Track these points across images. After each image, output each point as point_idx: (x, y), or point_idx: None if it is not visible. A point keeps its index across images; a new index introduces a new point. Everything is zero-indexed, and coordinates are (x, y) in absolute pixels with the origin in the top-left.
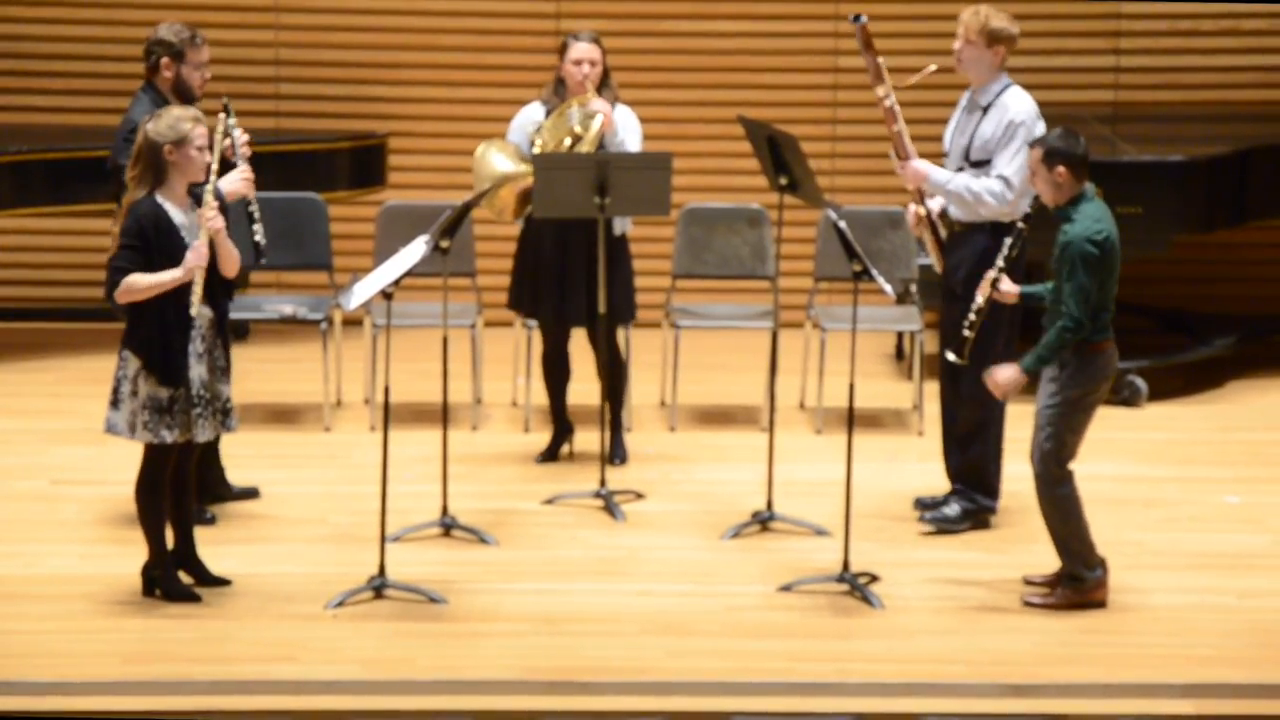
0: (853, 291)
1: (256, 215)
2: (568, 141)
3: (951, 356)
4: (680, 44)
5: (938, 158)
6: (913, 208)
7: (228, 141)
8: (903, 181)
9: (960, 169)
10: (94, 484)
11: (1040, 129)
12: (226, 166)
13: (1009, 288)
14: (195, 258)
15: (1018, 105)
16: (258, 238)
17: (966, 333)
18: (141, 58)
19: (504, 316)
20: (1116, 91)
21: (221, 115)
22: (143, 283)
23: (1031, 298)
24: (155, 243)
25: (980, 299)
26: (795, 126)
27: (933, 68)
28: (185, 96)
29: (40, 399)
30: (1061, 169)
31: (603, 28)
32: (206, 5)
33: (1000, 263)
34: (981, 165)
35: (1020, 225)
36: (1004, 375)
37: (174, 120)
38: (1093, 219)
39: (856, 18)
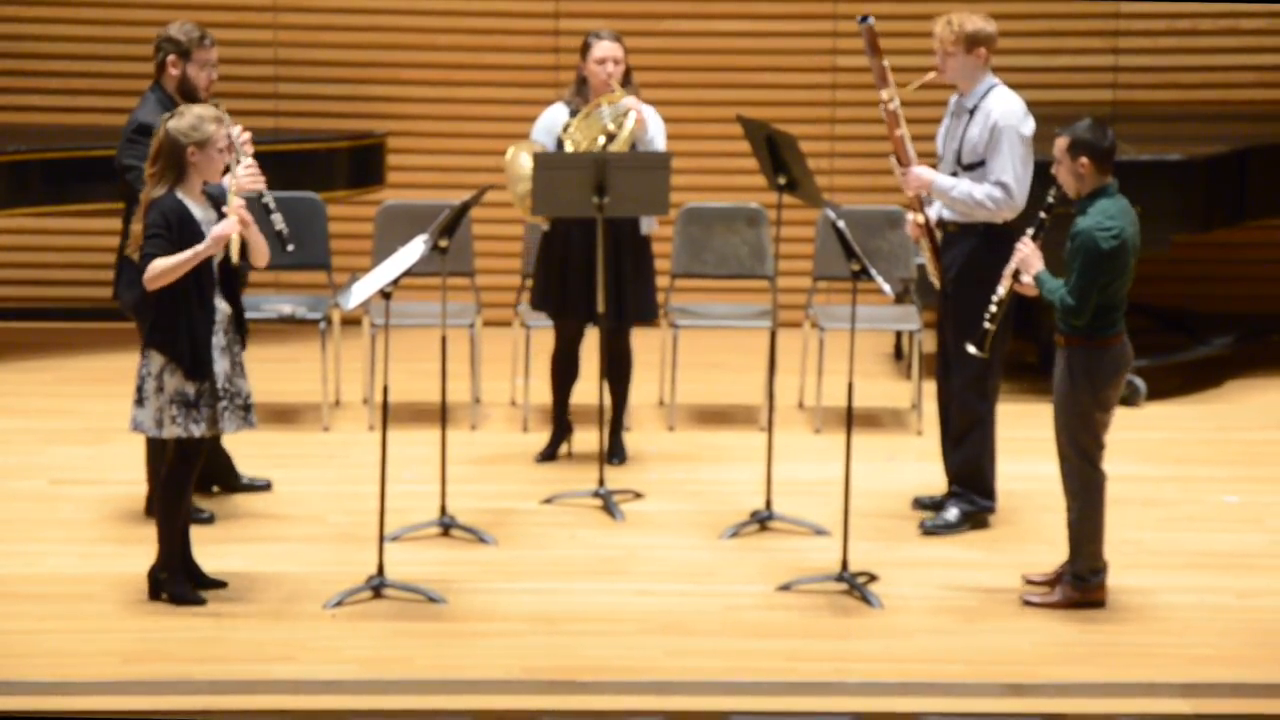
0: (851, 291)
1: (272, 206)
2: (601, 140)
3: (972, 349)
4: (680, 44)
5: (931, 159)
6: (911, 216)
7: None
8: (902, 188)
9: (954, 173)
10: (94, 484)
11: (1028, 127)
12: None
13: (1029, 280)
14: (221, 227)
15: (1002, 107)
16: (279, 227)
17: (987, 325)
18: (141, 57)
19: (503, 316)
20: (1115, 91)
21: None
22: (168, 263)
23: (1044, 286)
24: (178, 236)
25: (1002, 291)
26: (794, 126)
27: (933, 74)
28: (190, 96)
29: (39, 399)
30: (1085, 160)
31: (602, 27)
32: (205, 5)
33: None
34: (973, 168)
35: (1042, 216)
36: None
37: (197, 121)
38: (1106, 214)
39: (864, 19)
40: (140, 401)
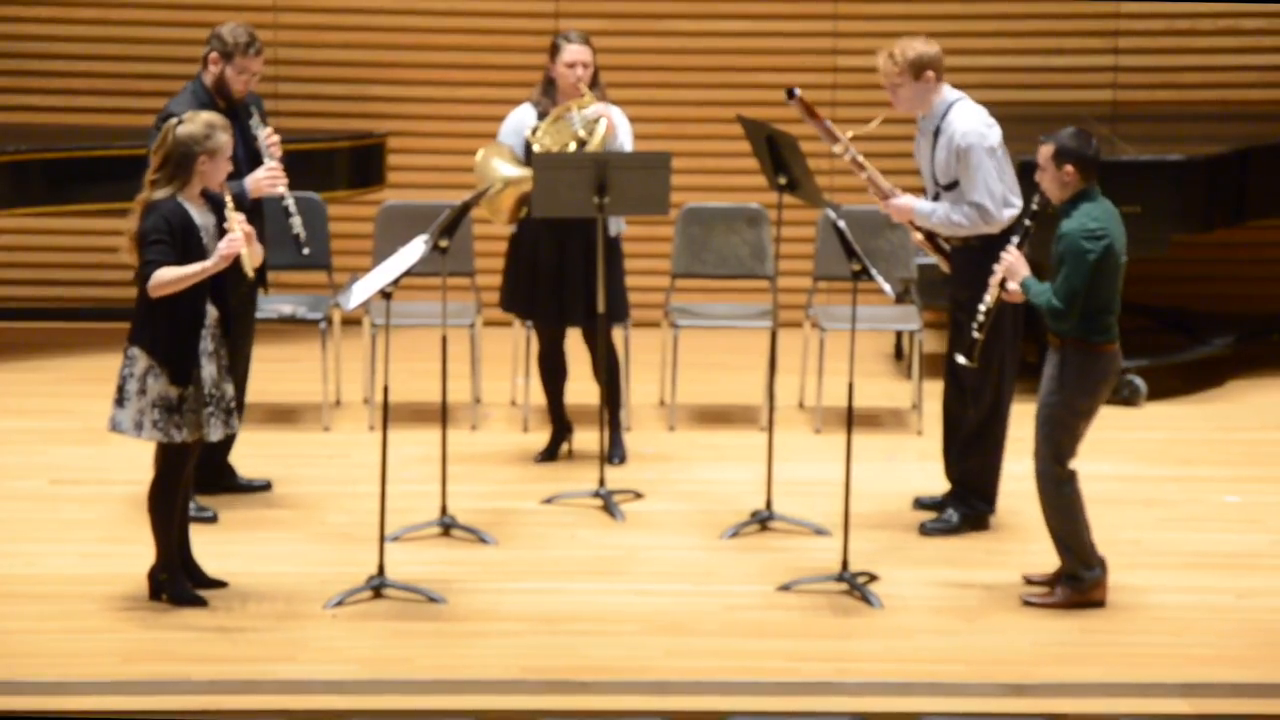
0: (852, 291)
1: (292, 209)
2: (573, 146)
3: (961, 360)
4: (680, 44)
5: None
6: (913, 232)
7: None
8: (891, 218)
9: (936, 194)
10: (94, 484)
11: (993, 137)
12: (255, 163)
13: (1015, 288)
14: (228, 245)
15: (963, 125)
16: (296, 230)
17: (975, 335)
18: (141, 58)
19: (503, 316)
20: (1115, 91)
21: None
22: (174, 274)
23: (1030, 290)
24: (180, 242)
25: (989, 300)
26: (794, 126)
27: (878, 120)
28: (224, 97)
29: (40, 399)
30: (1070, 168)
31: (602, 28)
32: (205, 5)
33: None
34: (951, 187)
35: (1027, 223)
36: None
37: (208, 129)
38: (1090, 216)
39: (790, 93)
40: (121, 402)
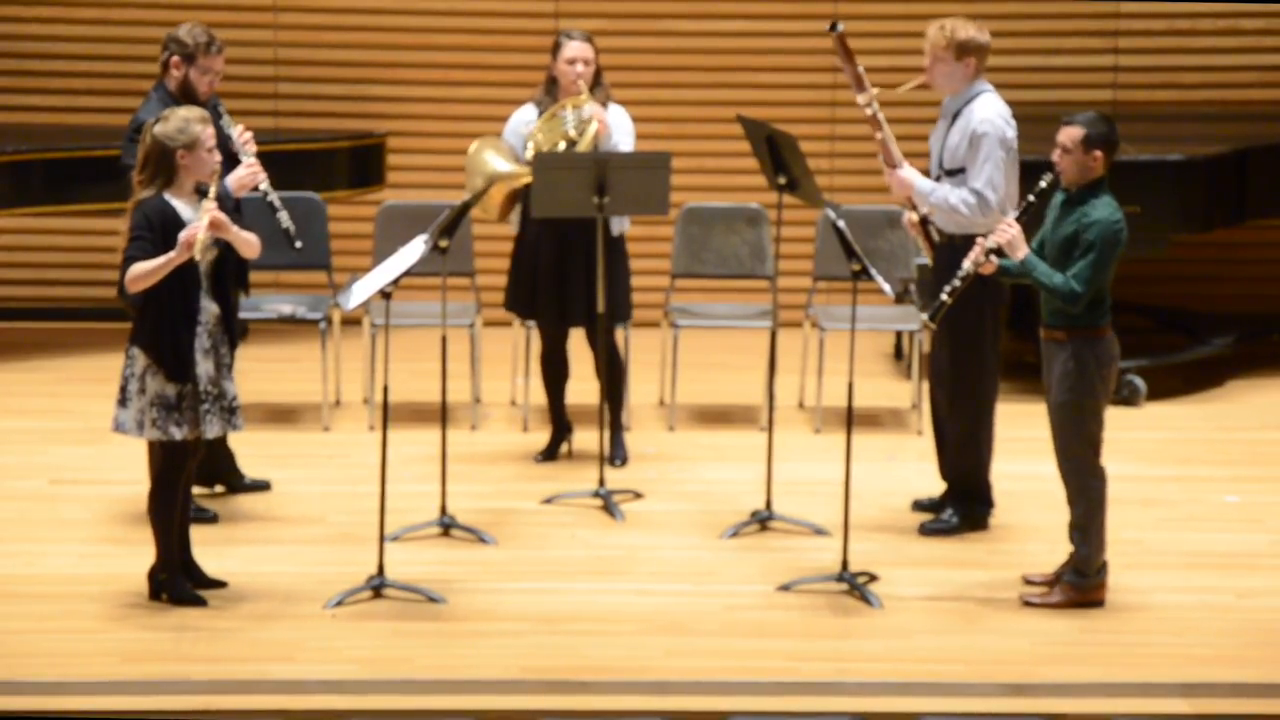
0: (851, 291)
1: (277, 204)
2: (562, 145)
3: (924, 318)
4: (680, 44)
5: (926, 161)
6: (907, 213)
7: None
8: (891, 189)
9: (938, 177)
10: (94, 484)
11: (1010, 134)
12: (232, 162)
13: (996, 261)
14: (185, 233)
15: (983, 113)
16: (285, 224)
17: (945, 298)
18: (141, 57)
19: (503, 316)
20: (1115, 91)
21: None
22: (145, 267)
23: (1008, 272)
24: (163, 237)
25: (969, 266)
26: (794, 126)
27: (911, 84)
28: (189, 99)
29: (40, 399)
30: (1098, 153)
31: (602, 27)
32: (205, 5)
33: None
34: (955, 174)
35: (1031, 199)
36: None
37: (183, 123)
38: (1114, 207)
39: (833, 26)
40: (123, 402)
